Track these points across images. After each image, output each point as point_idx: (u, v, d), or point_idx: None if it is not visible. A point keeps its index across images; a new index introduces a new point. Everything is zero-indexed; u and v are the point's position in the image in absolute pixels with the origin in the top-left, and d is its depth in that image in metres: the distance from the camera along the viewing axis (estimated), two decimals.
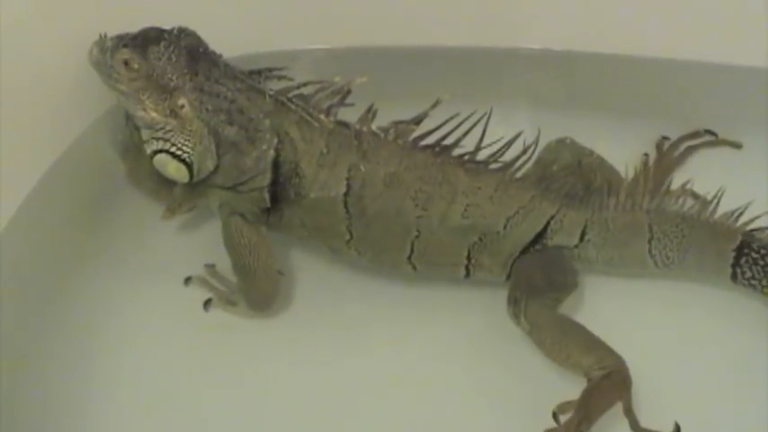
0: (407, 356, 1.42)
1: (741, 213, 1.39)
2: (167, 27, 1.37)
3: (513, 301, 1.37)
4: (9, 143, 1.41)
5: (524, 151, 1.39)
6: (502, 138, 1.38)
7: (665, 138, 1.63)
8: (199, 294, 1.47)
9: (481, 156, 1.39)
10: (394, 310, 1.47)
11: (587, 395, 1.29)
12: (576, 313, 1.41)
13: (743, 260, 1.38)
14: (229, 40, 1.41)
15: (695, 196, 1.47)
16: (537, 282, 1.37)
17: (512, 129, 1.40)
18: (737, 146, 1.64)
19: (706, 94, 1.71)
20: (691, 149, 1.63)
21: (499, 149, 1.38)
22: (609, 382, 1.30)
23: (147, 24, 1.37)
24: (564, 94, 1.73)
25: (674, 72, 1.71)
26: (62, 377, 1.38)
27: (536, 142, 1.40)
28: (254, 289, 1.42)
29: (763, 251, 1.37)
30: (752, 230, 1.39)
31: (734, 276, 1.39)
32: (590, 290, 1.46)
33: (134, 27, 1.37)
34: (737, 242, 1.38)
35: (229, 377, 1.41)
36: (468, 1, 1.70)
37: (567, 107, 1.57)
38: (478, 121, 1.37)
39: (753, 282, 1.38)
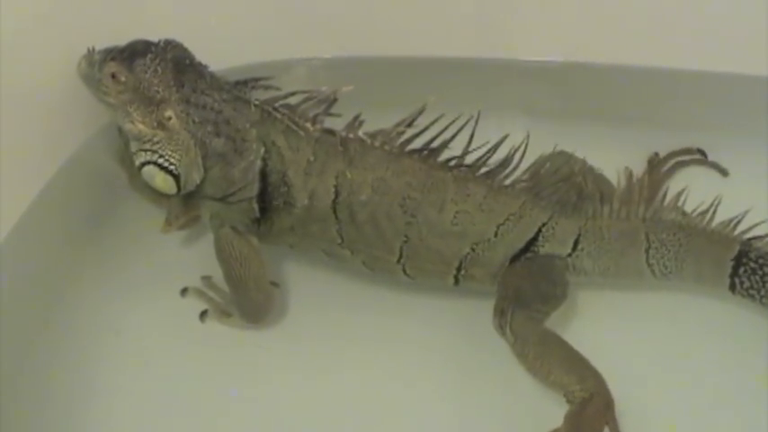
0: (402, 367, 1.42)
1: (739, 221, 1.36)
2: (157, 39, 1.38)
3: (500, 312, 1.35)
4: (9, 154, 1.43)
5: (512, 155, 1.37)
6: (489, 141, 1.36)
7: (656, 154, 1.61)
8: (195, 305, 1.47)
9: (469, 159, 1.37)
10: (390, 320, 1.47)
11: (573, 425, 1.27)
12: (569, 326, 1.40)
13: (741, 270, 1.35)
14: (224, 52, 1.43)
15: (684, 214, 1.42)
16: (525, 292, 1.35)
17: (507, 139, 1.38)
18: (725, 173, 1.60)
19: (702, 103, 1.69)
20: (680, 164, 1.61)
21: (486, 152, 1.36)
22: (593, 407, 1.27)
23: (145, 36, 1.38)
24: (559, 105, 1.71)
25: (671, 81, 1.69)
26: (60, 388, 1.39)
27: (525, 145, 1.38)
28: (247, 300, 1.42)
29: (761, 261, 1.34)
30: (750, 239, 1.36)
31: (732, 286, 1.37)
32: (582, 303, 1.44)
33: (131, 39, 1.38)
34: (735, 252, 1.35)
35: (226, 387, 1.41)
36: (464, 12, 1.70)
37: (563, 118, 1.55)
38: (465, 123, 1.36)
39: (751, 292, 1.36)
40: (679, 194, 1.41)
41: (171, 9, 1.60)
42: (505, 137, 1.37)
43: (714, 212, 1.37)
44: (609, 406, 1.27)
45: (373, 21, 1.69)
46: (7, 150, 1.42)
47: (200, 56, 1.39)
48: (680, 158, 1.62)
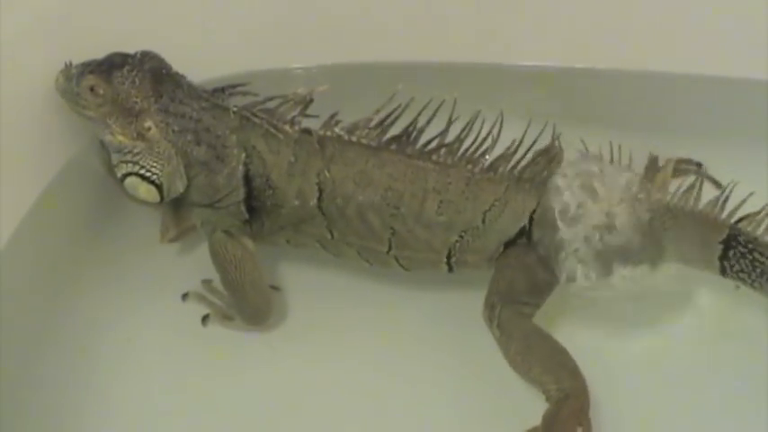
0: (404, 364, 1.43)
1: (726, 200, 1.35)
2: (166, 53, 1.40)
3: (490, 306, 1.35)
4: (8, 159, 1.42)
5: (489, 134, 1.38)
6: (458, 116, 1.37)
7: (656, 157, 1.59)
8: (198, 309, 1.48)
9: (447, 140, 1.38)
10: (391, 319, 1.48)
11: (548, 425, 1.28)
12: (562, 324, 1.41)
13: (731, 253, 1.33)
14: (219, 60, 1.46)
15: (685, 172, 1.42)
16: (517, 285, 1.36)
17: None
18: (719, 185, 1.54)
19: (702, 107, 1.69)
20: (677, 172, 1.57)
21: (462, 131, 1.38)
22: (567, 408, 1.28)
23: (144, 47, 1.40)
24: (558, 110, 1.69)
25: (670, 86, 1.70)
26: (59, 392, 1.39)
27: (500, 123, 1.38)
28: (246, 304, 1.43)
29: (750, 245, 1.32)
30: (738, 222, 1.33)
31: (723, 270, 1.35)
32: (577, 302, 1.45)
33: (130, 49, 1.40)
34: (724, 235, 1.33)
35: (228, 390, 1.41)
36: (462, 17, 1.70)
37: (561, 123, 1.55)
38: (438, 107, 1.37)
39: (742, 275, 1.33)
40: (665, 168, 1.41)
41: (168, 16, 1.61)
42: (478, 112, 1.38)
43: (700, 191, 1.36)
44: (583, 409, 1.28)
45: (372, 26, 1.70)
46: (7, 154, 1.42)
47: (197, 64, 1.41)
48: (678, 167, 1.57)
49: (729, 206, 1.35)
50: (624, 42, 1.68)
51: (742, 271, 1.33)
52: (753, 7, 1.64)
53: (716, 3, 1.66)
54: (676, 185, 1.39)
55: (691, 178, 1.39)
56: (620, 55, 1.68)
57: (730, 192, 1.35)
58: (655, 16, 1.68)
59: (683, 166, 1.58)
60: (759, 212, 1.33)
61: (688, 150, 1.61)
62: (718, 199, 1.35)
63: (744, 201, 1.35)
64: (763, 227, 1.33)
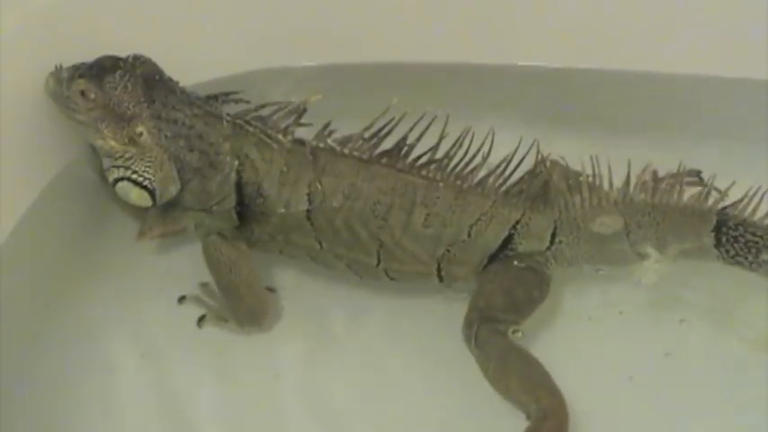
0: (402, 366, 1.44)
1: (709, 191, 1.39)
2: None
3: (468, 324, 1.36)
4: (8, 158, 1.42)
5: (478, 151, 1.38)
6: (448, 133, 1.38)
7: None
8: (194, 311, 1.48)
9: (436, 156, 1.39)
10: (390, 321, 1.49)
11: None
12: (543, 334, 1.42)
13: (724, 239, 1.38)
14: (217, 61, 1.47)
15: (657, 180, 1.43)
16: (495, 303, 1.37)
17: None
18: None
19: (701, 108, 1.69)
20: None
21: (452, 147, 1.38)
22: (547, 427, 1.28)
23: (136, 50, 1.38)
24: (555, 111, 1.69)
25: (671, 86, 1.69)
26: (57, 392, 1.40)
27: (491, 141, 1.38)
28: (242, 306, 1.43)
29: (741, 228, 1.37)
30: (725, 208, 1.38)
31: (720, 257, 1.39)
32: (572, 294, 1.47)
33: (122, 53, 1.38)
34: (714, 223, 1.38)
35: (225, 392, 1.43)
36: (460, 17, 1.69)
37: (559, 124, 1.55)
38: (430, 123, 1.38)
39: (739, 259, 1.38)
40: (644, 172, 1.42)
41: (164, 18, 1.60)
42: (469, 129, 1.38)
43: (682, 185, 1.39)
44: (562, 427, 1.29)
45: (369, 27, 1.68)
46: (8, 152, 1.41)
47: (198, 65, 1.42)
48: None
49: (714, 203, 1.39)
50: (623, 43, 1.67)
51: (738, 255, 1.38)
52: (753, 7, 1.63)
53: (716, 3, 1.65)
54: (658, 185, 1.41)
55: (671, 177, 1.43)
56: (620, 55, 1.67)
57: (712, 184, 1.39)
58: (654, 16, 1.66)
59: (687, 179, 1.55)
60: (743, 199, 1.38)
61: (688, 150, 1.60)
62: (701, 192, 1.39)
63: (727, 190, 1.39)
64: (749, 210, 1.37)
